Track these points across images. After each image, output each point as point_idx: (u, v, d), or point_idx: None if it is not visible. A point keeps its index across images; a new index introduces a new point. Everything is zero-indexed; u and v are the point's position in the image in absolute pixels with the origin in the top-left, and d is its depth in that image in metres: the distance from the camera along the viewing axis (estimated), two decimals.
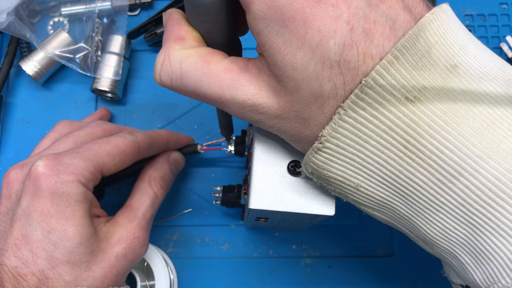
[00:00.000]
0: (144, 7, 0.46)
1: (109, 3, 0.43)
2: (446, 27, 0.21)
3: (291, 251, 0.41)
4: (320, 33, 0.19)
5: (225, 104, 0.23)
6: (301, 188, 0.27)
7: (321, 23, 0.19)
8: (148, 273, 0.38)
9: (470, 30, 0.46)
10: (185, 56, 0.23)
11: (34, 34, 0.41)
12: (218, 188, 0.38)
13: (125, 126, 0.38)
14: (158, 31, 0.43)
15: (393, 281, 0.41)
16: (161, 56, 0.23)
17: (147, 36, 0.44)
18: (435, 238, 0.23)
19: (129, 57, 0.44)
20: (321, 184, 0.25)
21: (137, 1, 0.45)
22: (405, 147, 0.21)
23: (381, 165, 0.22)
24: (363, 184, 0.23)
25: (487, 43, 0.46)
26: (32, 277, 0.28)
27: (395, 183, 0.22)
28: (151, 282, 0.37)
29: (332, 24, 0.19)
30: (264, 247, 0.41)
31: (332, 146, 0.22)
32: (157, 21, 0.44)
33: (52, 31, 0.44)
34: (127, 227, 0.32)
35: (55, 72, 0.44)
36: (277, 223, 0.35)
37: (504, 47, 0.45)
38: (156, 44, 0.45)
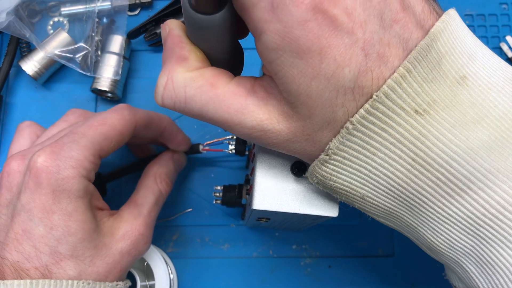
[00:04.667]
0: (144, 7, 0.46)
1: (109, 3, 0.43)
2: (455, 36, 0.20)
3: (291, 251, 0.41)
4: (335, 62, 0.19)
5: (232, 128, 0.22)
6: (304, 189, 0.27)
7: (337, 52, 0.19)
8: (148, 273, 0.38)
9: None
10: (189, 79, 0.22)
11: (34, 34, 0.41)
12: (219, 188, 0.38)
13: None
14: (158, 31, 0.43)
15: (393, 281, 0.41)
16: (163, 78, 0.23)
17: (147, 36, 0.44)
18: (440, 247, 0.23)
19: (129, 57, 0.44)
20: (327, 191, 0.25)
21: (137, 1, 0.45)
22: (413, 159, 0.21)
23: (388, 177, 0.22)
24: (369, 194, 0.23)
25: (487, 43, 0.46)
26: (35, 271, 0.27)
27: (402, 194, 0.22)
28: (151, 282, 0.37)
29: (347, 51, 0.19)
30: (264, 247, 0.41)
31: (339, 158, 0.22)
32: (157, 21, 0.43)
33: (52, 31, 0.44)
34: (132, 224, 0.32)
35: (55, 72, 0.44)
36: (278, 223, 0.35)
37: (504, 47, 0.45)
38: (156, 44, 0.44)
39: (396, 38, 0.20)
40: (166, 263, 0.38)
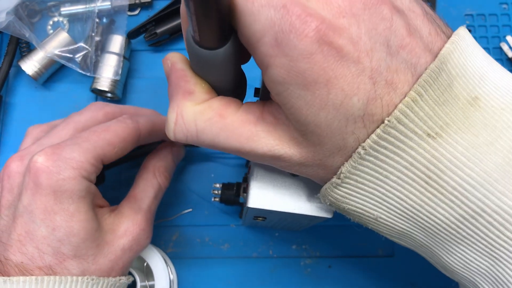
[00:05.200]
0: (144, 7, 0.46)
1: (109, 3, 0.43)
2: (465, 56, 0.20)
3: (291, 251, 0.41)
4: (343, 92, 0.19)
5: (244, 155, 0.23)
6: (300, 189, 0.27)
7: (344, 82, 0.19)
8: (148, 273, 0.38)
9: (470, 30, 0.46)
10: (198, 113, 0.22)
11: (34, 33, 0.41)
12: (218, 185, 0.38)
13: (127, 106, 0.37)
14: (158, 31, 0.43)
15: (393, 281, 0.41)
16: (172, 114, 0.23)
17: (147, 36, 0.44)
18: (455, 267, 0.23)
19: (128, 57, 0.44)
20: (339, 212, 0.25)
21: (137, 1, 0.45)
22: (427, 182, 0.20)
23: (402, 200, 0.21)
24: (383, 216, 0.23)
25: (487, 43, 0.46)
26: (39, 272, 0.28)
27: (416, 217, 0.22)
28: (151, 282, 0.37)
29: (355, 81, 0.19)
30: (264, 247, 0.41)
31: (352, 182, 0.22)
32: (157, 21, 0.43)
33: (51, 31, 0.44)
34: (133, 219, 0.32)
35: (54, 72, 0.44)
36: (275, 223, 0.35)
37: (504, 47, 0.45)
38: (156, 44, 0.44)
39: (404, 64, 0.19)
40: (166, 263, 0.38)
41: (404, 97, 0.19)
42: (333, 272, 0.41)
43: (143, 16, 0.46)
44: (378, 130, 0.20)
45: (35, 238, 0.28)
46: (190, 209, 0.42)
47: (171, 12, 0.43)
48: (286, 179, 0.27)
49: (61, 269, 0.28)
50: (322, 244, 0.41)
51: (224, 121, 0.22)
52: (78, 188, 0.28)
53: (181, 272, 0.40)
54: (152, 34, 0.43)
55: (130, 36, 0.43)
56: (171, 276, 0.38)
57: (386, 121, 0.19)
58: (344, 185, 0.22)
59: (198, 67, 0.22)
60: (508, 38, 0.45)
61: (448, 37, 0.21)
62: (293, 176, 0.27)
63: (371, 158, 0.20)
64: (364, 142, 0.20)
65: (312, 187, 0.27)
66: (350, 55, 0.18)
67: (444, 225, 0.21)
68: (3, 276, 0.28)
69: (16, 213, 0.29)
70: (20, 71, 0.44)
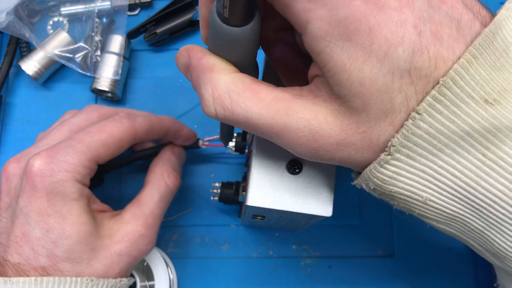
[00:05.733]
0: (144, 6, 0.46)
1: (109, 3, 0.43)
2: None
3: (291, 251, 0.41)
4: (387, 42, 0.18)
5: (278, 135, 0.21)
6: (299, 188, 0.27)
7: (387, 31, 0.18)
8: (148, 273, 0.38)
9: None
10: (230, 83, 0.21)
11: (34, 33, 0.41)
12: (217, 184, 0.38)
13: (123, 109, 0.37)
14: (158, 31, 0.43)
15: (393, 281, 0.41)
16: (207, 89, 0.21)
17: (147, 36, 0.44)
18: (510, 251, 0.21)
19: (128, 57, 0.44)
20: (381, 198, 0.23)
21: (137, 1, 0.45)
22: (484, 155, 0.19)
23: (456, 176, 0.20)
24: (432, 198, 0.21)
25: None
26: (34, 273, 0.28)
27: (470, 195, 0.20)
28: (151, 282, 0.37)
29: (399, 30, 0.18)
30: (264, 247, 0.41)
31: (402, 157, 0.20)
32: (157, 21, 0.43)
33: (51, 31, 0.44)
34: (132, 224, 0.31)
35: (54, 72, 0.44)
36: (274, 222, 0.35)
37: None
38: (156, 44, 0.44)
39: (447, 18, 0.18)
40: (166, 263, 0.38)
41: (452, 52, 0.18)
42: (333, 272, 0.41)
43: (143, 16, 0.46)
44: (433, 91, 0.18)
45: (30, 240, 0.28)
46: (190, 209, 0.42)
47: (171, 12, 0.43)
48: (285, 178, 0.27)
49: (54, 271, 0.28)
50: (322, 244, 0.41)
51: (258, 96, 0.21)
52: (70, 191, 0.29)
53: (181, 272, 0.40)
54: (152, 34, 0.43)
55: (130, 36, 0.43)
56: (171, 276, 0.38)
57: (440, 82, 0.18)
58: (393, 162, 0.20)
59: (221, 47, 0.22)
60: None
61: (484, 6, 0.20)
62: (293, 174, 0.27)
63: (425, 126, 0.19)
64: (413, 104, 0.19)
65: (311, 185, 0.27)
66: (391, 3, 0.18)
67: (502, 203, 0.20)
68: (2, 276, 0.28)
69: (14, 215, 0.29)
70: (20, 71, 0.44)
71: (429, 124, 0.19)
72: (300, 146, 0.21)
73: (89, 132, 0.30)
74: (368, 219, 0.42)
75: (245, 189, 0.28)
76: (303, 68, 0.27)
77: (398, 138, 0.19)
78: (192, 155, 0.42)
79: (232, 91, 0.21)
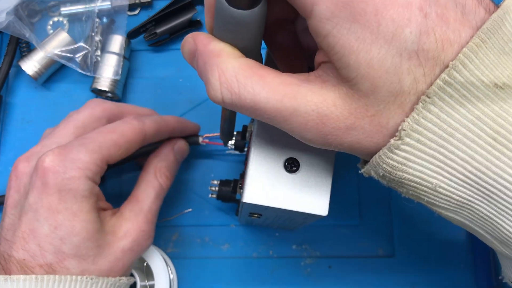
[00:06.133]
0: (144, 6, 0.46)
1: (109, 3, 0.43)
2: None
3: (291, 251, 0.41)
4: (394, 23, 0.18)
5: (286, 119, 0.21)
6: (296, 186, 0.27)
7: (394, 12, 0.18)
8: (148, 273, 0.38)
9: None
10: (237, 67, 0.21)
11: (34, 33, 0.41)
12: (215, 182, 0.38)
13: (125, 104, 0.37)
14: (158, 31, 0.43)
15: (393, 281, 0.41)
16: (215, 73, 0.21)
17: (147, 36, 0.44)
18: None
19: (128, 57, 0.44)
20: (389, 186, 0.23)
21: (137, 1, 0.45)
22: (495, 139, 0.19)
23: (466, 162, 0.20)
24: (442, 185, 0.21)
25: None
26: (39, 269, 0.28)
27: (480, 181, 0.20)
28: (151, 282, 0.37)
29: (405, 11, 0.18)
30: (264, 247, 0.41)
31: (412, 142, 0.20)
32: (157, 20, 0.43)
33: (51, 31, 0.44)
34: (133, 221, 0.32)
35: (54, 72, 0.44)
36: (270, 221, 0.35)
37: None
38: (156, 44, 0.44)
39: (452, 1, 0.19)
40: (166, 263, 0.38)
41: (458, 35, 0.18)
42: (333, 272, 0.41)
43: (143, 16, 0.46)
44: (443, 75, 0.18)
45: (37, 236, 0.28)
46: (190, 209, 0.42)
47: (171, 12, 0.43)
48: (282, 175, 0.27)
49: (60, 268, 0.28)
50: (322, 244, 0.41)
51: (265, 80, 0.21)
52: (82, 188, 0.29)
53: (181, 272, 0.40)
54: (152, 34, 0.43)
55: (130, 36, 0.43)
56: (171, 276, 0.38)
57: (450, 65, 0.18)
58: (403, 147, 0.20)
59: (228, 32, 0.21)
60: None
61: None
62: (290, 173, 0.27)
63: (435, 110, 0.19)
64: (422, 87, 0.19)
65: (308, 184, 0.27)
66: None
67: None
68: (5, 274, 0.28)
69: (22, 211, 0.29)
70: (20, 71, 0.44)
71: (440, 108, 0.19)
72: (308, 131, 0.21)
73: (101, 132, 0.31)
74: (368, 218, 0.42)
75: (242, 186, 0.28)
76: (303, 59, 0.27)
77: (408, 122, 0.19)
78: (191, 156, 0.42)
79: (239, 75, 0.21)
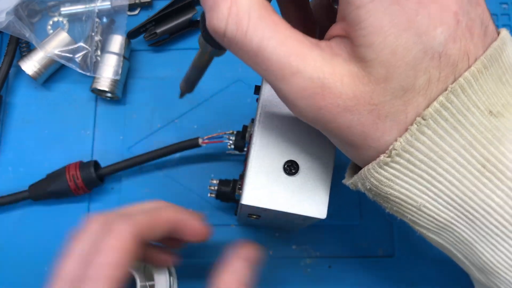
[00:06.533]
0: (144, 6, 0.46)
1: (109, 3, 0.43)
2: None
3: (291, 251, 0.41)
4: (429, 19, 0.17)
5: (286, 78, 0.19)
6: (295, 189, 0.27)
7: (433, 8, 0.17)
8: (148, 274, 0.38)
9: None
10: (254, 4, 0.18)
11: (34, 33, 0.41)
12: (214, 181, 0.38)
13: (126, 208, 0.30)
14: (158, 31, 0.43)
15: (393, 281, 0.41)
16: (224, 2, 0.18)
17: (147, 36, 0.44)
18: (498, 267, 0.21)
19: (128, 57, 0.44)
20: (375, 200, 0.23)
21: (137, 1, 0.45)
22: (484, 166, 0.19)
23: (453, 185, 0.20)
24: (427, 204, 0.21)
25: None
26: None
27: (465, 205, 0.20)
28: (151, 282, 0.37)
29: (442, 12, 0.18)
30: (263, 247, 0.41)
31: (402, 161, 0.19)
32: (157, 21, 0.43)
33: (51, 31, 0.44)
34: None
35: (54, 72, 0.44)
36: (269, 222, 0.35)
37: None
38: (156, 44, 0.44)
39: (479, 19, 0.19)
40: None
41: (480, 50, 0.18)
42: (333, 272, 0.41)
43: (143, 16, 0.46)
44: (440, 98, 0.18)
45: None
46: (190, 209, 0.42)
47: (171, 12, 0.43)
48: (281, 178, 0.27)
49: None
50: (322, 244, 0.41)
51: (278, 28, 0.19)
52: None
53: (181, 272, 0.40)
54: (152, 34, 0.43)
55: (130, 36, 0.43)
56: (171, 277, 0.38)
57: (449, 88, 0.18)
58: (392, 164, 0.20)
59: None
60: None
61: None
62: (289, 175, 0.27)
63: (429, 132, 0.19)
64: (432, 92, 0.18)
65: (306, 187, 0.27)
66: None
67: (496, 215, 0.19)
68: None
69: None
70: (20, 71, 0.44)
71: (433, 131, 0.19)
72: (304, 98, 0.19)
73: (96, 266, 0.25)
74: (368, 219, 0.42)
75: (241, 187, 0.28)
76: (314, 24, 0.25)
77: (401, 142, 0.19)
78: (192, 156, 0.42)
79: (253, 13, 0.18)
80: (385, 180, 0.20)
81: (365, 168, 0.21)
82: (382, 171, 0.20)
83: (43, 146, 0.43)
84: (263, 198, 0.26)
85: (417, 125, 0.18)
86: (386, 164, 0.20)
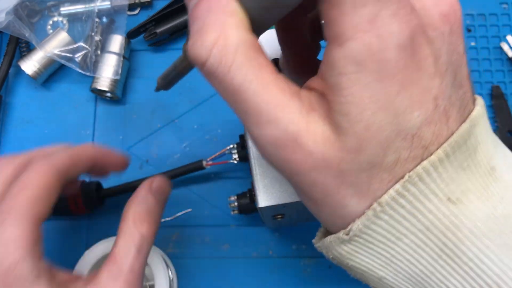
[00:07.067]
0: (144, 6, 0.46)
1: (109, 3, 0.43)
2: (486, 123, 0.20)
3: (291, 251, 0.41)
4: (409, 100, 0.17)
5: (260, 124, 0.18)
6: None
7: (414, 91, 0.17)
8: (148, 273, 0.38)
9: (470, 30, 0.46)
10: (243, 43, 0.18)
11: (33, 33, 0.41)
12: (233, 198, 0.36)
13: (36, 150, 0.30)
14: (158, 30, 0.43)
15: None
16: (215, 28, 0.17)
17: (147, 35, 0.44)
18: None
19: (128, 56, 0.44)
20: (339, 266, 0.23)
21: (137, 1, 0.45)
22: (441, 249, 0.19)
23: (412, 264, 0.20)
24: (388, 277, 0.21)
25: (487, 43, 0.45)
26: None
27: (424, 283, 0.20)
28: (151, 283, 0.37)
29: (422, 95, 0.17)
30: (263, 247, 0.41)
31: (360, 240, 0.20)
32: (157, 20, 0.43)
33: (51, 31, 0.44)
34: None
35: (54, 72, 0.44)
36: (296, 217, 0.35)
37: (505, 47, 0.45)
38: (156, 44, 0.44)
39: (459, 101, 0.19)
40: (166, 263, 0.38)
41: (449, 135, 0.18)
42: (333, 272, 0.41)
43: (143, 16, 0.46)
44: (397, 186, 0.18)
45: None
46: (190, 209, 0.42)
47: (171, 12, 0.43)
48: None
49: None
50: None
51: (262, 71, 0.18)
52: (26, 272, 0.24)
53: (181, 272, 0.40)
54: (152, 34, 0.43)
55: (130, 36, 0.43)
56: (171, 276, 0.38)
57: (406, 177, 0.18)
58: (352, 242, 0.20)
59: None
60: (508, 37, 0.45)
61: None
62: None
63: (386, 217, 0.19)
64: (398, 171, 0.18)
65: None
66: (430, 68, 0.18)
67: None
68: None
69: None
70: (19, 71, 0.44)
71: (390, 216, 0.19)
72: (274, 148, 0.19)
73: (14, 196, 0.25)
74: None
75: (253, 193, 0.28)
76: (312, 60, 0.25)
77: (358, 225, 0.19)
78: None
79: (241, 51, 0.18)
80: (345, 253, 0.21)
81: (327, 239, 0.21)
82: (343, 246, 0.20)
83: (43, 146, 0.43)
84: (276, 195, 0.26)
85: (374, 212, 0.18)
86: (346, 241, 0.20)
